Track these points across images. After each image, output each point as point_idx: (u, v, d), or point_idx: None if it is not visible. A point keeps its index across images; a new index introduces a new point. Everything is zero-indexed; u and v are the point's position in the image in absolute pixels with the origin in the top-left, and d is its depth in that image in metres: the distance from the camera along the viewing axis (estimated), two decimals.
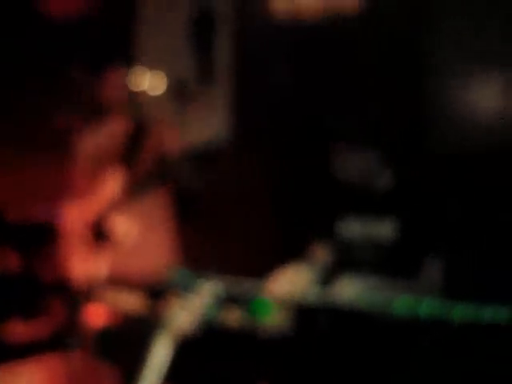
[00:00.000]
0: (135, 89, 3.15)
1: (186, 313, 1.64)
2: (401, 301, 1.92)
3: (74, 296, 3.12)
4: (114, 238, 3.09)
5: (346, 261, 2.44)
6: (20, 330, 4.03)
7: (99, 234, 3.11)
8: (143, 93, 3.92)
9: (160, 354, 1.59)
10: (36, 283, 4.07)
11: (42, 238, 3.53)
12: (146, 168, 3.01)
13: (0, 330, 3.93)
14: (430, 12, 3.03)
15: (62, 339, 3.51)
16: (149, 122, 3.23)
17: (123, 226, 3.07)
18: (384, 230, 2.41)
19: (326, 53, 3.26)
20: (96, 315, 2.42)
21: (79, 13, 4.36)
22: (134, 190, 3.00)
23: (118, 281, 2.46)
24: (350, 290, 2.01)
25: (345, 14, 3.20)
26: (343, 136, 2.45)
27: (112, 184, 3.11)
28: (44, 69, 4.65)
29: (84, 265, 3.15)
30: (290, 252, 2.68)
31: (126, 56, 3.42)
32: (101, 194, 3.13)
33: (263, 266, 3.28)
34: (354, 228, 2.47)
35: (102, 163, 3.15)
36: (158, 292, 2.10)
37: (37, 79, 4.72)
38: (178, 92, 3.93)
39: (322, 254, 2.56)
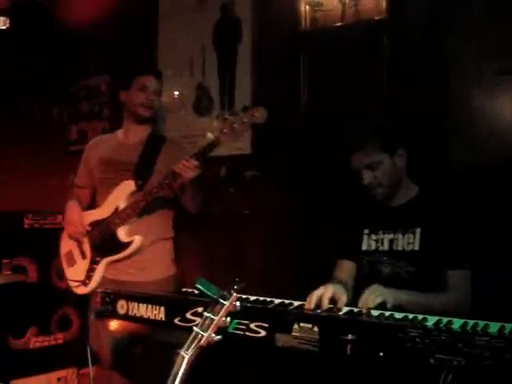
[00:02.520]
0: (156, 101, 3.12)
1: (208, 323, 1.59)
2: (428, 316, 1.86)
3: (89, 307, 3.09)
4: (127, 249, 3.09)
5: (372, 275, 2.40)
6: (36, 339, 4.01)
7: (111, 244, 3.06)
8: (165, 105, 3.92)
9: (179, 365, 1.54)
10: (52, 294, 4.05)
11: (56, 246, 3.50)
12: (158, 182, 2.98)
13: (18, 339, 3.92)
14: (456, 22, 2.99)
15: (76, 350, 3.47)
16: (165, 137, 3.21)
17: (135, 237, 3.06)
18: (408, 242, 2.36)
19: (348, 60, 3.23)
20: (113, 326, 2.37)
21: (97, 26, 4.39)
22: (142, 203, 2.96)
23: (134, 291, 2.41)
24: (375, 300, 1.96)
25: (369, 21, 3.18)
26: (364, 151, 2.40)
27: (125, 195, 3.05)
28: (61, 79, 4.66)
29: (96, 275, 3.13)
30: (317, 269, 2.64)
31: (147, 67, 3.39)
32: (113, 205, 3.08)
33: (289, 282, 3.24)
34: (379, 243, 2.43)
35: (116, 174, 3.11)
36: (176, 302, 2.05)
37: (54, 89, 4.73)
38: (201, 104, 3.92)
39: (348, 269, 2.51)
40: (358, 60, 3.18)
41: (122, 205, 3.02)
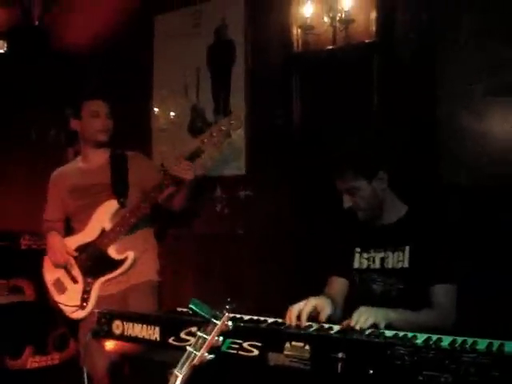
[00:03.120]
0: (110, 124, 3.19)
1: (200, 342, 1.62)
2: (418, 333, 1.90)
3: (82, 327, 3.11)
4: (122, 266, 3.09)
5: (364, 293, 2.44)
6: (33, 360, 4.02)
7: (103, 264, 3.10)
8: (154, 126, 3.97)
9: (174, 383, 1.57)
10: (49, 314, 4.07)
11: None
12: (139, 197, 3.07)
13: (16, 359, 3.93)
14: (445, 44, 3.05)
15: (73, 370, 3.48)
16: (126, 154, 3.27)
17: (128, 253, 3.09)
18: (398, 260, 2.41)
19: (339, 82, 3.30)
20: (108, 346, 2.39)
21: (93, 49, 4.45)
22: (132, 220, 3.03)
23: (129, 311, 2.44)
24: (366, 322, 1.99)
25: (359, 44, 3.24)
26: (342, 177, 2.45)
27: (109, 215, 3.09)
28: (58, 101, 4.71)
29: (92, 297, 3.15)
30: (308, 286, 2.67)
31: (93, 92, 3.43)
32: (98, 226, 3.11)
33: (280, 300, 3.27)
34: (370, 261, 2.47)
35: (90, 199, 3.14)
36: (170, 322, 2.08)
37: (51, 111, 4.77)
38: (195, 125, 3.98)
39: (338, 286, 2.54)
40: (349, 82, 3.25)
41: (108, 225, 3.08)
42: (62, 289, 3.22)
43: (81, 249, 3.15)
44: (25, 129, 4.87)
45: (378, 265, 2.45)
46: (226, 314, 1.64)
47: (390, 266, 2.42)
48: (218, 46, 3.86)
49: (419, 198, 2.71)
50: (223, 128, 2.89)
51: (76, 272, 3.16)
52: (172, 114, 4.08)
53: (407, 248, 2.38)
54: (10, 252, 3.83)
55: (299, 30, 3.43)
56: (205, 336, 1.61)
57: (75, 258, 3.16)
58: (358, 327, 1.95)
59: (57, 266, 3.20)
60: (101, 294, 3.12)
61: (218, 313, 1.65)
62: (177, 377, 1.56)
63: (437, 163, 3.04)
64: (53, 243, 3.19)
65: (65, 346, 4.11)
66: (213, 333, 1.60)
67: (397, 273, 2.39)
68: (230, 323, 1.65)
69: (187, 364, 1.58)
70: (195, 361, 1.58)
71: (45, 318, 4.02)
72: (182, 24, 4.02)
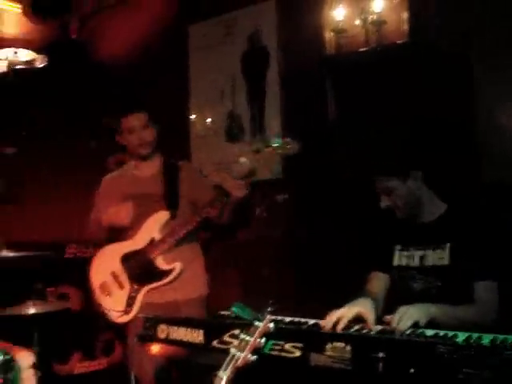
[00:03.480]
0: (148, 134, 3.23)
1: (244, 344, 1.66)
2: (459, 332, 1.91)
3: (130, 332, 3.18)
4: (168, 276, 3.15)
5: (404, 291, 2.45)
6: (81, 365, 4.12)
7: (150, 273, 3.14)
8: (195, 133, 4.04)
9: None
10: (96, 319, 4.17)
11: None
12: (186, 209, 3.12)
13: (64, 364, 4.03)
14: (481, 39, 3.05)
15: (120, 374, 3.56)
16: (178, 163, 3.30)
17: (176, 264, 3.14)
18: (438, 258, 2.42)
19: (373, 83, 3.31)
20: (154, 350, 2.45)
21: (131, 60, 4.55)
22: (182, 232, 3.07)
23: (174, 316, 2.49)
24: (407, 323, 2.01)
25: (392, 45, 3.27)
26: (378, 178, 2.48)
27: (159, 226, 3.14)
28: (99, 113, 4.82)
29: (137, 303, 3.21)
30: (348, 286, 2.69)
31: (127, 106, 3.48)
32: (148, 236, 3.16)
33: (321, 300, 3.29)
34: (410, 259, 2.48)
35: (143, 208, 3.16)
36: (214, 325, 2.13)
37: (92, 122, 4.89)
38: (232, 131, 4.05)
39: (380, 281, 2.57)
40: (383, 82, 3.26)
41: (158, 235, 3.13)
42: (108, 292, 3.27)
43: (129, 256, 3.20)
44: (66, 141, 5.00)
45: (417, 262, 2.46)
46: (268, 316, 1.68)
47: (429, 264, 2.43)
48: (251, 52, 3.92)
49: (459, 195, 2.70)
50: (279, 151, 2.89)
51: (123, 278, 3.22)
52: (209, 120, 4.15)
53: (447, 246, 2.39)
54: (56, 261, 3.93)
55: (332, 34, 3.46)
56: (248, 338, 1.65)
57: (123, 264, 3.22)
58: (399, 329, 1.96)
59: (104, 272, 3.25)
60: (146, 300, 3.16)
61: (259, 315, 1.69)
62: (221, 378, 1.61)
63: (477, 161, 3.02)
64: (103, 249, 3.28)
65: (112, 351, 4.20)
66: (255, 335, 1.64)
67: (437, 270, 2.40)
68: (271, 325, 1.69)
69: (231, 366, 1.62)
70: (239, 362, 1.62)
71: (91, 324, 4.13)
72: (216, 32, 4.10)
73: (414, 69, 3.18)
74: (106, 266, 3.27)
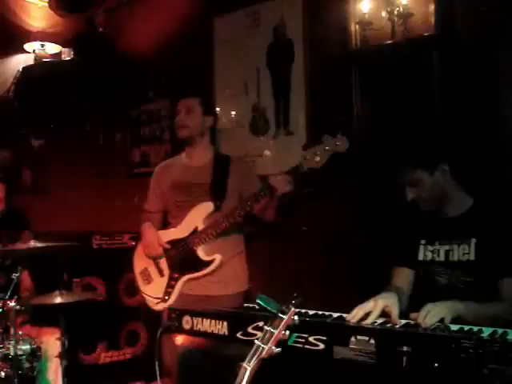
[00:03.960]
0: (215, 122, 3.27)
1: (268, 336, 1.68)
2: (484, 327, 1.90)
3: (157, 322, 3.21)
4: (208, 267, 3.16)
5: (429, 286, 2.45)
6: (106, 355, 4.18)
7: (190, 262, 3.18)
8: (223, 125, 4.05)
9: (242, 376, 1.63)
10: (120, 310, 4.22)
11: (123, 264, 3.64)
12: (232, 202, 3.13)
13: (89, 354, 4.09)
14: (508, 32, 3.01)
15: (145, 364, 3.60)
16: (229, 156, 3.33)
17: (216, 255, 3.15)
18: (464, 253, 2.41)
19: (399, 76, 3.30)
20: (179, 341, 2.48)
21: (156, 52, 4.59)
22: (224, 224, 3.07)
23: (201, 307, 2.51)
24: (433, 319, 2.00)
25: (419, 37, 3.23)
26: (404, 170, 2.47)
27: (203, 216, 3.16)
28: (124, 105, 4.87)
29: (175, 291, 3.23)
30: (373, 280, 2.69)
31: (204, 89, 3.52)
32: (192, 225, 3.19)
33: (346, 295, 3.29)
34: (435, 253, 2.48)
35: (189, 197, 3.23)
36: (238, 317, 2.15)
37: (117, 114, 4.95)
38: (257, 125, 4.05)
39: (405, 276, 2.57)
40: (409, 75, 3.23)
41: (201, 225, 3.15)
42: (148, 279, 3.32)
43: (172, 244, 3.23)
44: (92, 133, 5.07)
45: (442, 257, 2.46)
46: (292, 309, 1.69)
47: (455, 259, 2.42)
48: (276, 45, 3.91)
49: (485, 190, 2.68)
50: (327, 148, 2.84)
51: (164, 265, 3.26)
52: (234, 113, 4.16)
53: (473, 241, 2.38)
54: (82, 251, 3.98)
55: (357, 26, 3.43)
56: (272, 330, 1.67)
57: (165, 251, 3.25)
58: (424, 325, 1.95)
59: (148, 256, 3.30)
60: (185, 291, 3.20)
61: (284, 307, 1.70)
62: (245, 369, 1.63)
63: (503, 156, 2.99)
64: (148, 235, 3.30)
65: (136, 341, 4.25)
66: (280, 327, 1.66)
67: (462, 265, 2.39)
68: (296, 318, 1.70)
69: (255, 357, 1.64)
70: (263, 354, 1.64)
71: (116, 315, 4.18)
72: (241, 25, 4.09)
73: (441, 61, 3.15)
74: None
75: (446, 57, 3.14)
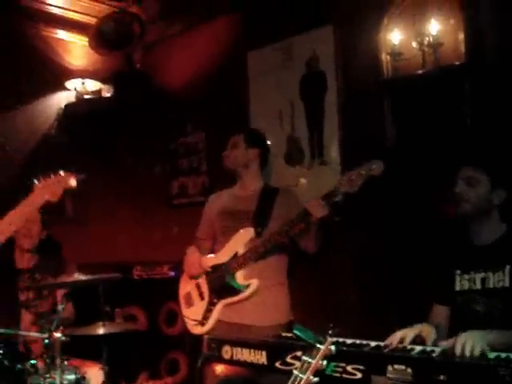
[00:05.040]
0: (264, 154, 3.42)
1: (306, 366, 1.72)
2: None
3: (197, 352, 3.25)
4: (244, 292, 3.20)
5: (465, 314, 2.44)
6: (147, 383, 4.24)
7: (228, 287, 3.23)
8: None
9: None
10: (161, 340, 4.29)
11: (163, 294, 3.71)
12: (274, 230, 3.16)
13: (130, 383, 4.16)
14: None
15: None
16: (278, 188, 3.42)
17: (252, 280, 3.19)
18: (499, 280, 2.41)
19: (431, 106, 3.33)
20: (219, 370, 2.53)
21: (193, 87, 4.71)
22: (261, 249, 3.14)
23: (239, 336, 2.55)
24: (470, 344, 2.00)
25: (449, 66, 3.27)
26: (472, 167, 2.49)
27: (244, 241, 3.22)
28: (162, 138, 4.99)
29: (213, 316, 3.27)
30: (410, 311, 2.70)
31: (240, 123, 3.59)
32: (233, 250, 3.25)
33: (384, 326, 3.29)
34: (471, 282, 2.48)
35: (235, 223, 3.30)
36: (276, 346, 2.18)
37: (156, 148, 5.06)
38: (292, 155, 4.12)
39: (440, 313, 2.57)
40: (441, 104, 3.27)
41: (241, 250, 3.21)
42: (189, 303, 3.41)
43: (213, 268, 3.31)
44: (132, 165, 5.19)
45: (479, 285, 2.45)
46: (329, 339, 1.73)
47: (491, 286, 2.41)
48: (310, 77, 3.99)
49: None
50: (362, 173, 2.90)
51: (205, 289, 3.34)
52: (269, 144, 4.23)
53: (508, 267, 2.37)
54: (123, 282, 4.06)
55: (388, 57, 3.49)
56: (309, 360, 1.71)
57: (206, 275, 3.33)
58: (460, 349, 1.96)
59: (190, 277, 3.40)
60: (224, 319, 3.24)
61: (321, 337, 1.74)
62: None
63: None
64: (191, 256, 3.39)
65: (176, 370, 4.30)
66: (317, 357, 1.70)
67: (498, 293, 2.38)
68: (332, 347, 1.74)
69: None
70: None
71: (157, 345, 4.25)
72: (274, 58, 4.17)
73: (472, 89, 3.18)
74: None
75: (476, 84, 3.17)
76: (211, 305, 3.29)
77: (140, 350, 4.13)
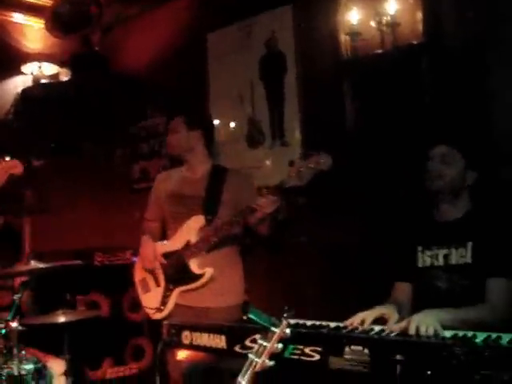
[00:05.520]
0: (208, 135, 3.30)
1: (261, 350, 1.70)
2: (478, 332, 1.91)
3: (159, 336, 3.23)
4: (199, 280, 3.18)
5: (429, 291, 2.44)
6: (112, 370, 4.20)
7: (183, 275, 3.20)
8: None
9: None
10: (125, 326, 4.24)
11: (126, 280, 3.66)
12: (225, 219, 3.13)
13: (95, 371, 4.11)
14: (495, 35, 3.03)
15: (150, 378, 3.62)
16: (227, 168, 3.36)
17: (206, 269, 3.18)
18: (461, 256, 2.40)
19: (390, 85, 3.33)
20: (180, 355, 2.50)
21: (151, 68, 4.64)
22: (213, 238, 3.11)
23: (198, 321, 2.53)
24: (423, 325, 2.01)
25: (408, 45, 3.26)
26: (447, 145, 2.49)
27: (195, 229, 3.19)
28: (122, 122, 4.91)
29: (170, 302, 3.25)
30: (373, 291, 2.70)
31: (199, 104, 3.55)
32: (185, 238, 3.21)
33: (344, 306, 3.30)
34: (432, 257, 2.49)
35: (184, 208, 3.26)
36: (235, 330, 2.17)
37: (116, 132, 4.98)
38: (253, 137, 4.09)
39: (404, 291, 2.58)
40: (400, 84, 3.28)
41: (193, 239, 3.19)
42: (146, 288, 3.39)
43: (167, 255, 3.28)
44: (92, 150, 5.10)
45: (441, 262, 2.46)
46: (285, 322, 1.71)
47: (453, 263, 2.42)
48: (269, 58, 3.96)
49: (482, 194, 2.70)
50: (311, 166, 2.82)
51: (160, 276, 3.31)
52: (229, 127, 4.20)
53: (470, 244, 2.38)
54: (84, 269, 4.01)
55: (347, 37, 3.48)
56: (265, 343, 1.69)
57: (161, 263, 3.31)
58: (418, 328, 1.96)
59: (145, 269, 3.37)
60: (181, 302, 3.24)
61: (276, 320, 1.72)
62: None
63: (495, 160, 3.00)
64: (145, 248, 3.35)
65: (142, 356, 4.27)
66: (272, 340, 1.68)
67: (460, 269, 2.39)
68: (288, 330, 1.72)
69: (249, 371, 1.67)
70: (257, 368, 1.66)
71: (121, 330, 4.21)
72: (234, 39, 4.14)
73: (431, 68, 3.18)
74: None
75: (435, 64, 3.17)
76: (167, 291, 3.27)
77: (104, 337, 4.07)
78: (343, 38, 3.49)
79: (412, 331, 1.98)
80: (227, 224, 3.09)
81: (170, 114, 3.53)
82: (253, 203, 2.97)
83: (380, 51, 3.34)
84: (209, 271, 3.16)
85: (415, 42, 3.24)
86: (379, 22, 3.30)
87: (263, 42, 3.97)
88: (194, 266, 3.19)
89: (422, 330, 1.96)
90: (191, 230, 3.21)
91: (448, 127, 3.09)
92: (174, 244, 3.27)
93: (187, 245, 3.20)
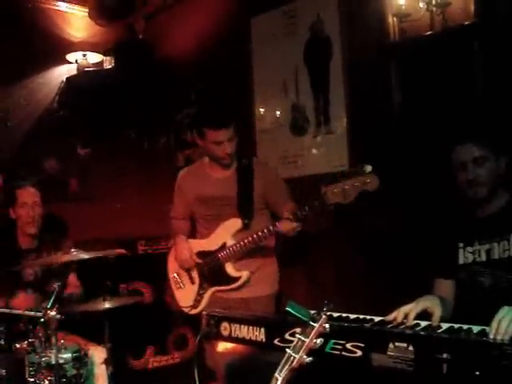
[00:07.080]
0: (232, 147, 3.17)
1: (299, 345, 1.63)
2: None
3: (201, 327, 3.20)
4: (235, 283, 3.15)
5: (473, 288, 2.35)
6: (154, 359, 4.20)
7: (219, 276, 3.18)
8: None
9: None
10: (168, 315, 4.24)
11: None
12: (260, 217, 3.12)
13: (138, 359, 4.13)
14: None
15: (192, 368, 3.60)
16: (251, 162, 3.22)
17: (243, 272, 3.15)
18: (504, 250, 2.27)
19: (440, 68, 3.19)
20: (220, 347, 2.46)
21: (195, 55, 4.59)
22: (248, 245, 3.05)
23: (237, 313, 2.49)
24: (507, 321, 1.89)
25: (458, 26, 3.11)
26: (473, 143, 2.34)
27: (232, 232, 3.15)
28: (166, 109, 4.89)
29: (204, 300, 3.23)
30: (415, 287, 2.61)
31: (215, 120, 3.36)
32: (221, 240, 3.17)
33: (388, 300, 3.20)
34: (474, 253, 2.39)
35: (216, 210, 3.20)
36: (275, 323, 2.11)
37: (161, 119, 4.97)
38: (297, 124, 4.00)
39: (446, 288, 2.47)
40: (450, 66, 3.13)
41: (229, 241, 3.15)
42: (179, 285, 3.36)
43: (201, 255, 3.25)
44: (136, 139, 5.11)
45: (484, 257, 2.35)
46: (324, 317, 1.63)
47: (496, 257, 2.30)
48: (314, 42, 3.85)
49: None
50: (357, 185, 2.67)
51: (195, 274, 3.29)
52: (273, 114, 4.11)
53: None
54: (128, 257, 4.00)
55: (395, 19, 3.34)
56: (303, 338, 1.61)
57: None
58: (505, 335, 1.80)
59: (182, 268, 3.33)
60: (217, 294, 3.22)
61: (316, 315, 1.64)
62: (277, 380, 1.58)
63: None
64: (181, 248, 3.31)
65: (185, 346, 4.26)
66: (310, 335, 1.60)
67: (504, 263, 2.27)
68: (327, 325, 1.64)
69: (286, 367, 1.59)
70: (294, 363, 1.59)
71: (164, 320, 4.20)
72: (278, 23, 4.04)
73: (483, 50, 3.02)
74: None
75: (487, 46, 3.01)
76: (202, 290, 3.26)
77: (146, 326, 4.08)
78: (391, 20, 3.36)
79: (493, 332, 1.73)
80: (262, 235, 3.01)
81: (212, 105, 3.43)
82: (281, 197, 3.04)
83: (429, 33, 3.19)
84: (245, 274, 3.14)
85: (466, 23, 3.08)
86: (429, 3, 3.15)
87: (308, 26, 3.86)
88: (230, 268, 3.17)
89: (503, 326, 1.74)
90: (227, 232, 3.18)
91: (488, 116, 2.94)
92: (209, 244, 3.23)
93: (223, 247, 3.16)
